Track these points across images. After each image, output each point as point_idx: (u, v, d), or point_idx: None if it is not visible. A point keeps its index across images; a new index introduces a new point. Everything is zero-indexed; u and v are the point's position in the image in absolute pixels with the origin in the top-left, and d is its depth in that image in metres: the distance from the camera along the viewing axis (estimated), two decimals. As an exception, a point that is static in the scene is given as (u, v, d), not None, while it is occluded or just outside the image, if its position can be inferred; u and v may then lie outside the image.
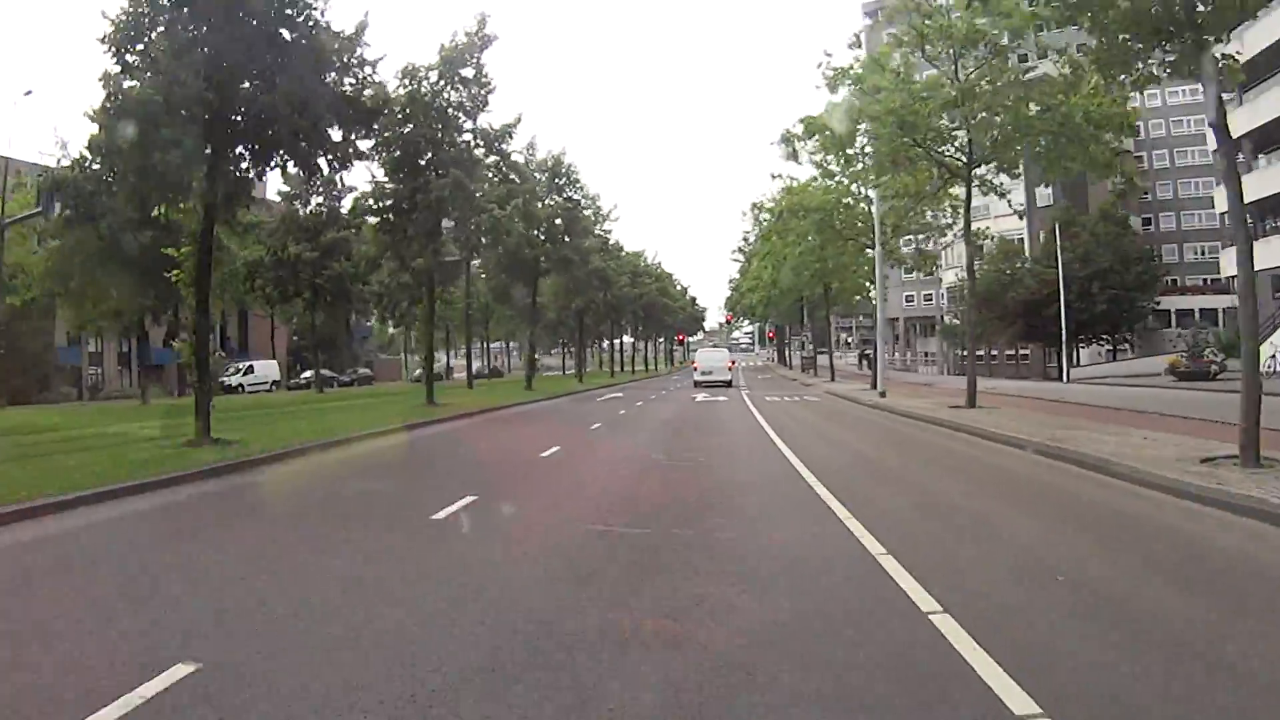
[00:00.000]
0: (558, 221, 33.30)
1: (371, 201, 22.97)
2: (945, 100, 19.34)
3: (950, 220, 31.67)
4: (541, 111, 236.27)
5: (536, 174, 32.83)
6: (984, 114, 19.42)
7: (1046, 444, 12.11)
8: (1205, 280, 60.77)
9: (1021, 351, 62.32)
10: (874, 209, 26.18)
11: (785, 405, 25.06)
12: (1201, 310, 55.93)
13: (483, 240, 23.48)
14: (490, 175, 23.52)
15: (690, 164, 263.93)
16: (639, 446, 13.56)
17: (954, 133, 20.55)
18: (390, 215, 22.69)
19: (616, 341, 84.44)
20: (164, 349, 60.25)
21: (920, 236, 31.16)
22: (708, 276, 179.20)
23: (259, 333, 59.92)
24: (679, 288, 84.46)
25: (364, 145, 22.36)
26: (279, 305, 46.26)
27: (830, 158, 28.96)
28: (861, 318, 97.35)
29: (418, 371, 70.13)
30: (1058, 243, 40.15)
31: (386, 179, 23.15)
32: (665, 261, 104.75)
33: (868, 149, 21.27)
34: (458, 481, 9.74)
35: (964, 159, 20.24)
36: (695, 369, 39.40)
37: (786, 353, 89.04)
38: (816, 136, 21.24)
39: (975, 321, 50.44)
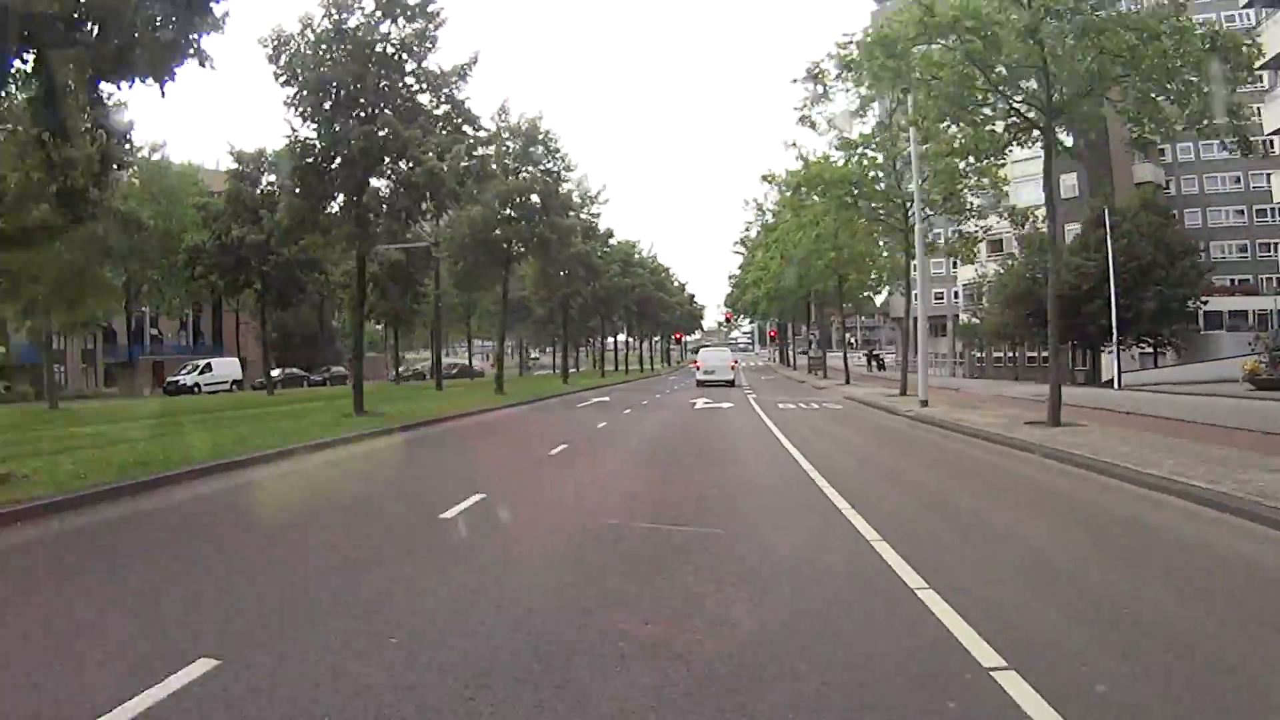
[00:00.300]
0: (534, 198, 28.29)
1: (287, 160, 18.08)
2: (1022, 25, 14.66)
3: (994, 197, 27.01)
4: (531, 105, 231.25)
5: (509, 143, 27.94)
6: (1070, 41, 14.79)
7: (1245, 498, 7.49)
8: (1232, 281, 56.38)
9: (1043, 355, 57.63)
10: (912, 170, 21.38)
11: (805, 416, 20.37)
12: (1232, 312, 51.52)
13: (425, 207, 18.37)
14: (440, 129, 18.55)
15: (687, 165, 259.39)
16: (611, 493, 8.89)
17: (1023, 74, 15.87)
18: (309, 176, 17.86)
19: (610, 339, 79.70)
20: (134, 345, 57.20)
21: (957, 218, 26.38)
22: (704, 280, 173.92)
23: (234, 328, 56.88)
24: (676, 284, 79.59)
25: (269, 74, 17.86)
26: (229, 297, 41.65)
27: (859, 120, 24.31)
28: (862, 317, 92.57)
29: (400, 369, 65.95)
30: (1107, 229, 35.43)
31: (315, 133, 18.34)
32: (661, 259, 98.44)
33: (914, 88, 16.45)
34: (229, 605, 4.88)
35: (1040, 106, 15.57)
36: (698, 369, 39.55)
37: (789, 352, 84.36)
38: (851, 72, 16.48)
39: (1007, 322, 46.03)
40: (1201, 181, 59.90)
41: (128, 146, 29.77)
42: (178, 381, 46.36)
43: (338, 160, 17.77)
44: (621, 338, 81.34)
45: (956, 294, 70.16)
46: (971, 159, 24.85)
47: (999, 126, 16.71)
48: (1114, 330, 34.83)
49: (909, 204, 25.83)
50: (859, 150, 25.51)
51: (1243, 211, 58.42)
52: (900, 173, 25.41)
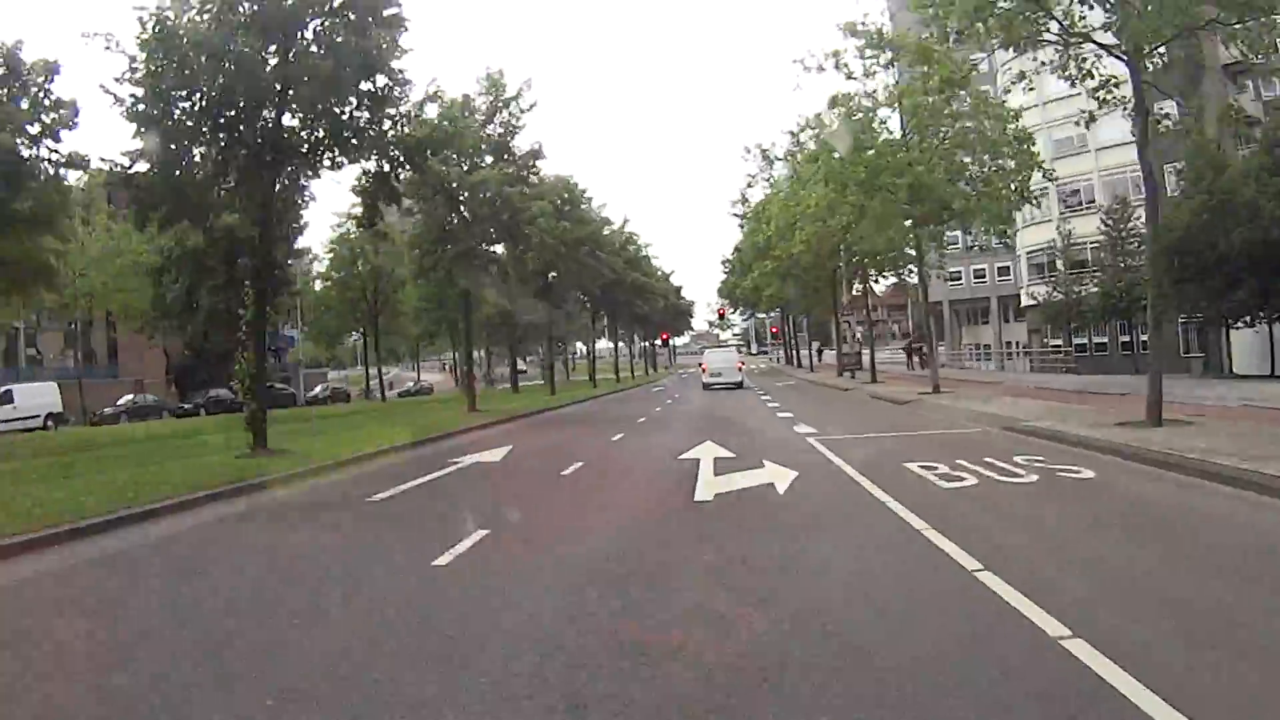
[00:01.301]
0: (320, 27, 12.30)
1: None
2: None
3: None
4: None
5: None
6: None
7: None
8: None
9: (1141, 339, 42.75)
10: None
11: (1160, 571, 5.58)
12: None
13: None
14: None
15: (669, 165, 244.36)
16: None
17: None
18: None
19: (583, 345, 64.59)
20: (5, 369, 44.16)
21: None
22: (697, 287, 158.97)
23: (134, 349, 48.35)
24: (660, 273, 64.30)
25: None
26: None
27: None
28: (872, 310, 77.12)
29: (318, 389, 51.68)
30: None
31: None
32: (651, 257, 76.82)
33: None
34: None
35: None
36: (704, 371, 38.77)
37: (801, 351, 69.67)
38: None
39: (1167, 290, 31.53)
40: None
41: None
42: (-47, 419, 35.62)
43: None
44: (602, 344, 66.40)
45: (1006, 270, 55.80)
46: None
47: None
48: None
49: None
50: None
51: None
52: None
